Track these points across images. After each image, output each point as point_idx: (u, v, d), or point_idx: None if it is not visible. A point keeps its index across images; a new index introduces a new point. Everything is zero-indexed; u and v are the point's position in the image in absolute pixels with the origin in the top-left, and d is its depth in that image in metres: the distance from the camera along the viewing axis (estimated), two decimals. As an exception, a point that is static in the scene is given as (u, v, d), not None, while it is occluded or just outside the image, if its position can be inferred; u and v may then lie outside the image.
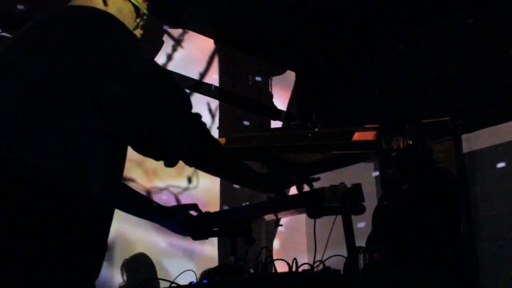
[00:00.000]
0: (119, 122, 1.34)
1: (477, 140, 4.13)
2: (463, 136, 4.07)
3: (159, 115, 1.36)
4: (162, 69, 1.45)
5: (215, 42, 4.96)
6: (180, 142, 1.40)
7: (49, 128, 1.27)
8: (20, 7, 3.80)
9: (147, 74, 1.37)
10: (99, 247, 1.35)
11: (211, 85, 4.81)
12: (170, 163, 1.45)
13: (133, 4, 1.57)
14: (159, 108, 1.35)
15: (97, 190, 1.31)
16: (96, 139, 1.32)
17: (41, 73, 1.31)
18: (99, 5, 1.51)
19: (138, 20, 1.61)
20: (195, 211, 2.18)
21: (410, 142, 2.74)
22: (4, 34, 3.82)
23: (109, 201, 1.38)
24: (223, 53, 5.00)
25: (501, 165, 4.02)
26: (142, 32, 1.65)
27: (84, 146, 1.30)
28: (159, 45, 4.39)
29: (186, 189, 4.31)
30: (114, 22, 1.40)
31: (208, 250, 4.33)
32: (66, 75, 1.30)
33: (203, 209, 2.24)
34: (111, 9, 1.52)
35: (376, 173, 4.66)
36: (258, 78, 5.29)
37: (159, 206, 2.08)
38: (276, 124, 5.28)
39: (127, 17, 1.56)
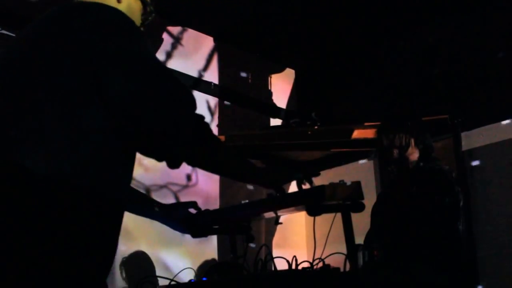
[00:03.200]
0: (124, 118, 1.34)
1: (476, 138, 4.13)
2: (463, 134, 4.07)
3: (165, 113, 1.36)
4: (168, 69, 1.46)
5: (215, 40, 4.95)
6: (185, 142, 1.40)
7: (61, 131, 1.27)
8: None
9: (153, 71, 1.38)
10: (112, 245, 1.37)
11: (210, 83, 4.81)
12: (173, 164, 1.45)
13: (142, 2, 1.61)
14: (165, 106, 1.36)
15: (111, 190, 1.34)
16: (106, 140, 1.33)
17: (51, 74, 1.32)
18: (112, 0, 1.54)
19: (143, 18, 1.65)
20: (194, 209, 2.19)
21: (411, 139, 2.74)
22: (3, 32, 3.81)
23: (122, 199, 1.40)
24: (222, 51, 5.00)
25: (500, 163, 4.02)
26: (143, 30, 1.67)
27: (95, 147, 1.31)
28: (159, 42, 4.40)
29: (185, 186, 4.30)
30: (124, 19, 1.43)
31: (208, 248, 4.33)
32: (74, 74, 1.32)
33: (203, 207, 2.24)
34: (122, 5, 1.54)
35: (376, 171, 4.66)
36: (258, 76, 5.28)
37: (159, 204, 2.09)
38: (275, 122, 5.28)
39: (135, 14, 1.59)
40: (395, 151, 2.74)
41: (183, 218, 2.15)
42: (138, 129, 1.34)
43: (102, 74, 1.31)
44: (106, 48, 1.33)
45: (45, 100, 1.30)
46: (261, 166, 1.98)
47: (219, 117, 4.82)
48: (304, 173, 2.01)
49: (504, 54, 4.12)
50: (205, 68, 4.85)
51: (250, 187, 4.48)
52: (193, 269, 2.50)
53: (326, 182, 2.05)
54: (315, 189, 2.02)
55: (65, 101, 1.30)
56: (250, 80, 5.22)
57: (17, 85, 1.35)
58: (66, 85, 1.31)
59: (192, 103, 1.45)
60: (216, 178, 4.40)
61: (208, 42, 4.92)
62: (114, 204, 1.36)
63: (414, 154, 2.75)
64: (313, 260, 2.05)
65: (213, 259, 4.30)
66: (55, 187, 1.24)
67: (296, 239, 4.87)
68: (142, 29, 1.66)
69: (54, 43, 1.36)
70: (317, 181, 2.12)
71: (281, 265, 2.20)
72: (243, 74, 5.18)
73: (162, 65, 1.44)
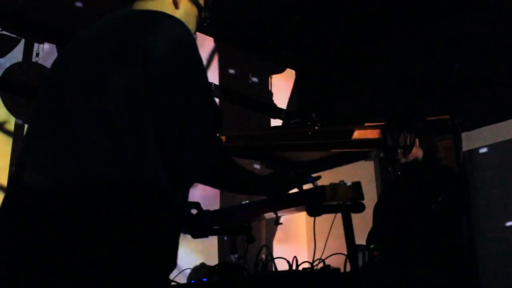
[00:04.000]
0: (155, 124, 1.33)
1: (476, 139, 4.13)
2: (463, 134, 4.07)
3: (191, 130, 1.35)
4: (210, 88, 1.45)
5: (215, 41, 4.96)
6: (202, 163, 1.39)
7: (129, 141, 1.29)
8: None
9: (192, 86, 1.37)
10: (176, 243, 1.40)
11: (211, 83, 4.81)
12: (186, 183, 1.44)
13: (198, 8, 1.62)
14: (193, 123, 1.35)
15: (172, 192, 1.35)
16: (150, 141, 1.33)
17: (118, 83, 1.33)
18: (170, 6, 1.55)
19: (198, 24, 1.66)
20: (197, 210, 2.19)
21: (416, 139, 2.73)
22: (4, 32, 3.82)
23: (184, 201, 1.44)
24: (223, 51, 5.00)
25: (500, 163, 4.02)
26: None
27: (155, 153, 1.32)
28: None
29: (186, 187, 4.30)
30: (178, 30, 1.43)
31: (208, 249, 4.34)
32: (123, 77, 1.33)
33: (204, 208, 2.24)
34: (180, 11, 1.56)
35: (376, 171, 4.66)
36: (258, 77, 5.28)
37: None
38: (276, 122, 5.28)
39: (191, 20, 1.60)
40: (400, 151, 2.73)
41: (186, 217, 2.15)
42: (160, 136, 1.33)
43: (148, 81, 1.31)
44: (154, 56, 1.33)
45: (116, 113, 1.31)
46: (264, 175, 1.99)
47: (219, 118, 4.82)
48: (305, 179, 2.01)
49: (504, 54, 4.12)
50: (206, 68, 4.85)
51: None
52: (194, 270, 2.50)
53: (326, 183, 2.05)
54: (315, 190, 2.03)
55: (133, 112, 1.31)
56: (250, 81, 5.22)
57: (67, 90, 1.37)
58: (116, 89, 1.32)
59: (218, 126, 1.45)
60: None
61: (208, 43, 4.92)
62: (178, 206, 1.39)
63: (418, 154, 2.74)
64: (314, 261, 2.05)
65: (214, 260, 4.30)
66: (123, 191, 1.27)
67: (296, 239, 4.87)
68: (195, 34, 1.66)
69: (104, 50, 1.37)
70: (317, 181, 2.12)
71: (281, 265, 2.20)
72: (244, 75, 5.18)
73: (205, 82, 1.43)
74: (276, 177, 1.95)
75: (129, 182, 1.27)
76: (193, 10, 1.62)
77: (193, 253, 4.22)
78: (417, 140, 2.73)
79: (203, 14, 1.65)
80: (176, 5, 1.57)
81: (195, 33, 1.63)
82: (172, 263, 1.37)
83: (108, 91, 1.32)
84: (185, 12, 1.58)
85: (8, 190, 1.41)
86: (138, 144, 1.29)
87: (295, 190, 2.07)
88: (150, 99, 1.32)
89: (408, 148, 2.72)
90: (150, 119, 1.31)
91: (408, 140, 2.72)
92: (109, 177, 1.26)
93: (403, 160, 2.74)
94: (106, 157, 1.27)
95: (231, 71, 5.07)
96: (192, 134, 1.35)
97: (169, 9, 1.53)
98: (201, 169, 1.40)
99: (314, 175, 2.11)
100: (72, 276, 1.21)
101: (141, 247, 1.26)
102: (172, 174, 1.36)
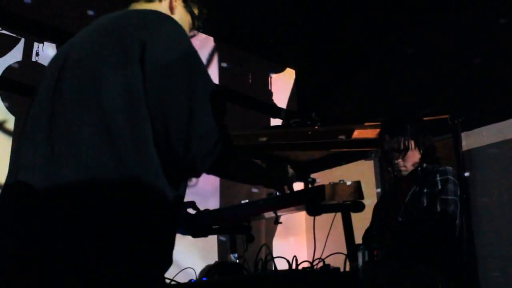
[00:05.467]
0: (155, 113, 1.34)
1: (476, 138, 4.13)
2: (463, 134, 4.06)
3: (195, 118, 1.35)
4: (209, 77, 1.47)
5: (215, 40, 4.96)
6: (211, 152, 1.38)
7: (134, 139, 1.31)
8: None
9: (194, 73, 1.40)
10: (173, 239, 1.41)
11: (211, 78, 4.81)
12: (195, 173, 1.43)
13: (191, 16, 1.69)
14: (196, 110, 1.35)
15: (171, 190, 1.37)
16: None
17: (118, 82, 1.35)
18: (166, 11, 1.60)
19: (190, 32, 1.72)
20: (193, 209, 2.19)
21: (411, 141, 2.73)
22: (4, 32, 3.82)
23: (182, 198, 1.43)
24: (223, 51, 5.00)
25: (500, 163, 4.02)
26: None
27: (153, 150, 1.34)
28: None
29: (186, 187, 4.30)
30: (172, 20, 1.48)
31: (208, 248, 4.33)
32: (124, 69, 1.34)
33: (203, 207, 2.24)
34: (175, 17, 1.60)
35: (376, 171, 4.66)
36: (258, 77, 5.28)
37: None
38: (276, 122, 5.28)
39: (184, 26, 1.64)
40: (395, 154, 2.73)
41: (184, 219, 2.16)
42: (166, 128, 1.33)
43: (149, 78, 1.33)
44: (153, 53, 1.35)
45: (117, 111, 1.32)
46: (268, 167, 1.99)
47: (219, 117, 4.82)
48: (303, 177, 2.01)
49: (504, 53, 4.12)
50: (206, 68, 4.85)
51: (250, 186, 4.48)
52: (193, 269, 2.50)
53: (326, 182, 2.05)
54: (315, 189, 2.03)
55: (133, 107, 1.32)
56: (250, 80, 5.22)
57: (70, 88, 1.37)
58: (131, 92, 1.33)
59: (223, 113, 1.45)
60: (216, 178, 4.39)
61: (208, 43, 4.92)
62: (175, 203, 1.39)
63: (415, 156, 2.74)
64: (313, 260, 2.05)
65: (213, 259, 4.30)
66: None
67: (296, 238, 4.87)
68: None
69: (100, 48, 1.39)
70: (317, 181, 2.12)
71: (281, 265, 2.20)
72: (244, 74, 5.18)
73: (206, 73, 1.46)
74: (279, 170, 1.95)
75: (126, 180, 1.27)
76: (187, 18, 1.68)
77: (192, 253, 4.22)
78: (412, 143, 2.73)
79: (196, 24, 1.71)
80: (171, 10, 1.63)
81: None
82: (167, 259, 1.38)
83: (104, 90, 1.33)
84: (180, 19, 1.62)
85: (3, 188, 1.41)
86: (135, 142, 1.30)
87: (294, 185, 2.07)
88: (152, 95, 1.33)
89: (403, 151, 2.72)
90: (147, 116, 1.32)
91: (401, 144, 2.72)
92: (107, 176, 1.27)
93: (399, 163, 2.73)
94: (103, 156, 1.28)
95: (231, 70, 5.07)
96: (200, 124, 1.35)
97: (164, 12, 1.58)
98: (214, 157, 1.39)
99: (312, 175, 2.12)
100: (68, 275, 1.22)
101: (137, 244, 1.27)
102: (176, 167, 1.37)
